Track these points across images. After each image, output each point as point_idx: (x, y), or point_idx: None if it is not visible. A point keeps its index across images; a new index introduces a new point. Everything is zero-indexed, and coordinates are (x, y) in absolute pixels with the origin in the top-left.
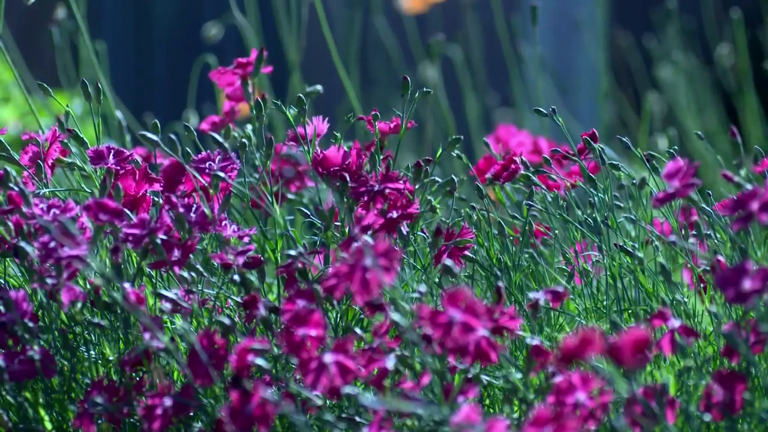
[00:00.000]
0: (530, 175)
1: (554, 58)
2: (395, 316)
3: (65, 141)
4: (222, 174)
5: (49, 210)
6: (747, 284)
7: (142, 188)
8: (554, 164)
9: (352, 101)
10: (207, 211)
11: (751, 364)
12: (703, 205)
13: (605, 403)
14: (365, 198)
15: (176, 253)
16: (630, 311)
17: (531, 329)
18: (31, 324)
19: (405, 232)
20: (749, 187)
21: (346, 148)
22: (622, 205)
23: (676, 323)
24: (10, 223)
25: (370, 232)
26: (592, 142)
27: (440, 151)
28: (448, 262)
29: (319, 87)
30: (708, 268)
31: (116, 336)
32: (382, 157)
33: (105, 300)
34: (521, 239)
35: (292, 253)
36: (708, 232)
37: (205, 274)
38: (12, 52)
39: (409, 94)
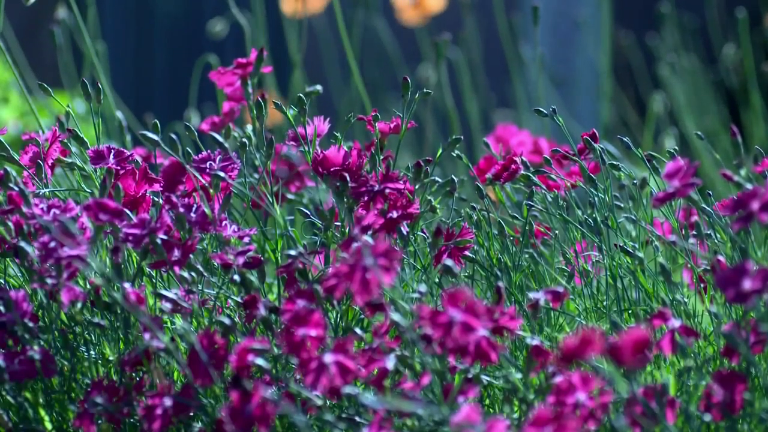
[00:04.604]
0: (530, 175)
1: (555, 58)
2: (395, 316)
3: (65, 141)
4: (222, 174)
5: (49, 210)
6: (747, 284)
7: (142, 188)
8: (554, 164)
9: (364, 99)
10: (207, 211)
11: (751, 364)
12: (704, 205)
13: (605, 403)
14: (365, 198)
15: (176, 253)
16: (630, 311)
17: (531, 329)
18: (31, 324)
19: (405, 232)
20: (749, 186)
21: (346, 149)
22: (622, 205)
23: (676, 323)
24: (10, 223)
25: (370, 232)
26: (592, 142)
27: (440, 151)
28: (448, 262)
29: (318, 87)
30: (708, 268)
31: (116, 336)
32: (382, 157)
33: (105, 300)
34: (521, 239)
35: (292, 253)
36: (708, 232)
37: (205, 274)
38: (12, 51)
39: (409, 95)
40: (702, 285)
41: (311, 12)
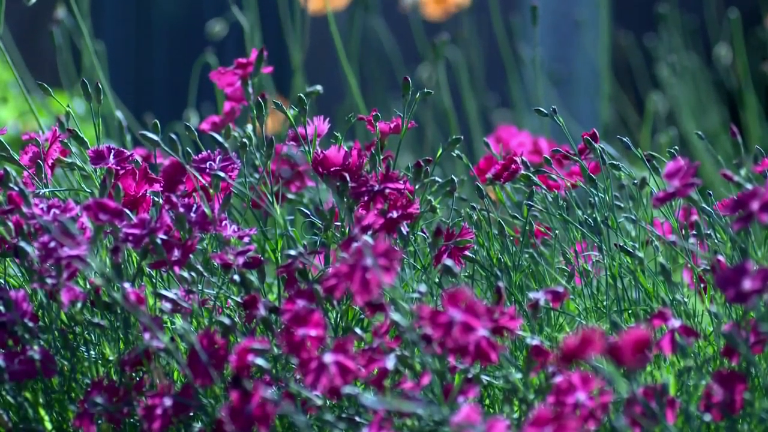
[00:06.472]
0: (530, 175)
1: (554, 58)
2: (395, 316)
3: (65, 141)
4: (222, 174)
5: (49, 210)
6: (747, 284)
7: (142, 188)
8: (555, 164)
9: (358, 100)
10: (207, 211)
11: (751, 364)
12: (704, 205)
13: (605, 403)
14: (365, 198)
15: (176, 253)
16: (630, 311)
17: (531, 329)
18: (31, 324)
19: (405, 232)
20: (749, 186)
21: (346, 148)
22: (622, 205)
23: (676, 323)
24: (10, 223)
25: (370, 232)
26: (592, 142)
27: (440, 151)
28: (448, 262)
29: (319, 87)
30: (708, 268)
31: (116, 336)
32: (382, 157)
33: (105, 300)
34: (521, 239)
35: (292, 253)
36: (708, 232)
37: (205, 274)
38: (12, 51)
39: (410, 95)
40: (702, 285)
41: (322, 10)
